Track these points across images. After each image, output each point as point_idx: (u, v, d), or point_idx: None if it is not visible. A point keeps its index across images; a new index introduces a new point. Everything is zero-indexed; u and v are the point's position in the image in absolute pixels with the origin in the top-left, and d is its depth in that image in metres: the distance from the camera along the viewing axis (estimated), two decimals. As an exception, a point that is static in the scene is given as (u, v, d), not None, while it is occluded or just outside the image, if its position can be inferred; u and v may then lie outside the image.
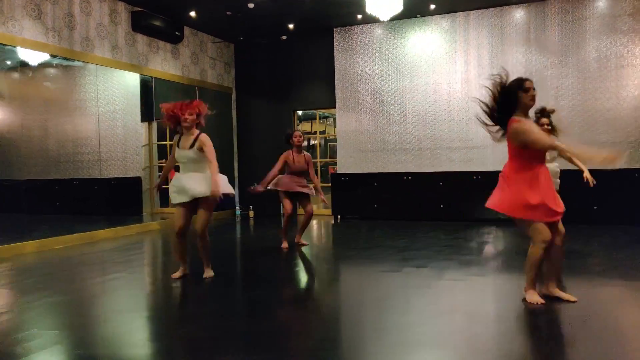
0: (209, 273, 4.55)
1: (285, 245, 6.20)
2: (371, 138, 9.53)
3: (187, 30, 9.44)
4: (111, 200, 8.31)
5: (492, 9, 8.60)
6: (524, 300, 3.62)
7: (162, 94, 8.89)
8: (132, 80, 8.55)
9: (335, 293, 4.44)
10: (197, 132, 4.41)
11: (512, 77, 3.57)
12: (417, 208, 8.95)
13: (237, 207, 10.78)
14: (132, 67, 8.26)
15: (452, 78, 8.93)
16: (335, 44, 9.75)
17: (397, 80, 9.31)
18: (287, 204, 5.99)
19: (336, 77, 9.76)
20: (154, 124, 10.40)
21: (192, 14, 8.60)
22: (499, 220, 8.17)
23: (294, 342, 3.10)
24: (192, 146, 4.35)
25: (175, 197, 4.36)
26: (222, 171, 4.43)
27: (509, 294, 3.94)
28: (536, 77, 8.31)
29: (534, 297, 3.58)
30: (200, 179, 4.34)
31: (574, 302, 3.56)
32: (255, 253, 6.41)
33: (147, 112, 9.31)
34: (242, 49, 10.80)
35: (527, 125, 3.50)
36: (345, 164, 9.72)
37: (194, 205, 4.39)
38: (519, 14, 8.48)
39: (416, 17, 8.97)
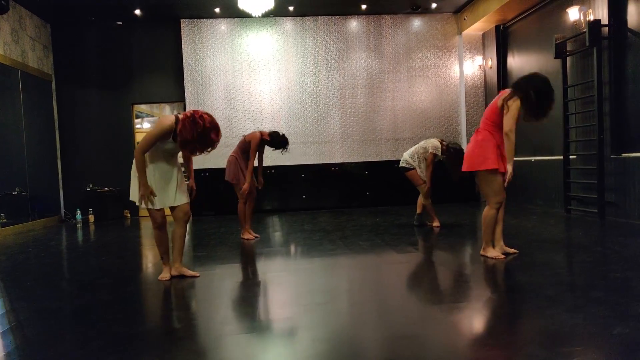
0: (185, 271, 4.00)
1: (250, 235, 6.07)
2: (226, 133, 9.43)
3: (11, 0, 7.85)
4: None
5: (337, 16, 9.53)
6: (484, 256, 4.14)
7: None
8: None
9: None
10: None
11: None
12: (283, 200, 9.29)
13: (64, 213, 9.36)
14: (-50, 38, 6.54)
15: (304, 78, 9.53)
16: (183, 35, 9.37)
17: (250, 76, 9.47)
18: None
19: (185, 70, 9.38)
20: None
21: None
22: (357, 206, 9.14)
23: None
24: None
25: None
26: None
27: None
28: (376, 81, 9.61)
29: (494, 253, 4.16)
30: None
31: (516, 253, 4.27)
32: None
33: None
34: (63, 32, 9.42)
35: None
36: (197, 159, 9.40)
37: None
38: (360, 23, 9.60)
39: (270, 16, 9.30)
